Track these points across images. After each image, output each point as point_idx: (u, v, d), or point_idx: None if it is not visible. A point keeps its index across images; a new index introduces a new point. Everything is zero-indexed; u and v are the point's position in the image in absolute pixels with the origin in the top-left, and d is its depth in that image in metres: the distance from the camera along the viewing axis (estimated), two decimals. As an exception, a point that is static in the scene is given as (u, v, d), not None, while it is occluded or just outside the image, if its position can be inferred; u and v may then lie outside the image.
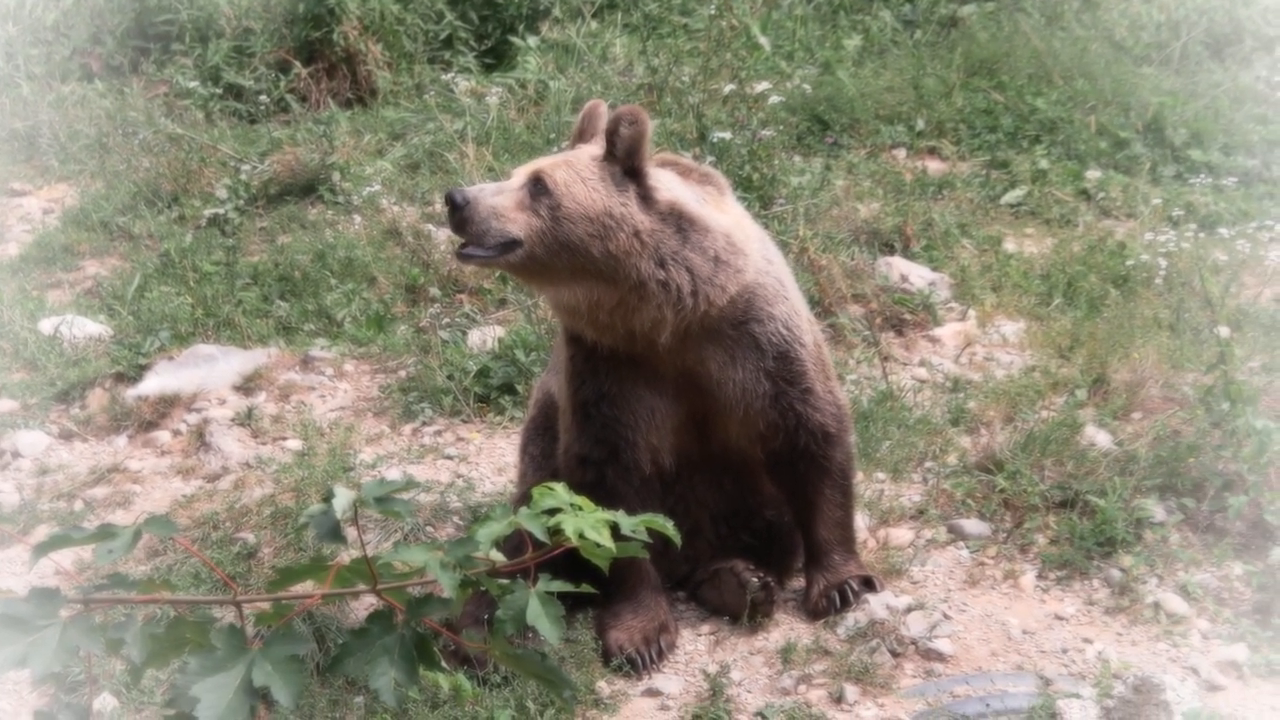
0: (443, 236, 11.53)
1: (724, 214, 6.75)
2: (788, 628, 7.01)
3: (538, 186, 6.43)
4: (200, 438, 9.35)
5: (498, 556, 3.61)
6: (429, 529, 8.00)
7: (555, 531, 3.58)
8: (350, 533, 3.64)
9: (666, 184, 6.61)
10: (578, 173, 6.48)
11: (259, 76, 15.65)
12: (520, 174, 6.56)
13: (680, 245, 6.52)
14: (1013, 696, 6.40)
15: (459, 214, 6.36)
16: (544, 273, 6.49)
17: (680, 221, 6.56)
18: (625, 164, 6.53)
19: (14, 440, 9.53)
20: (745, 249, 6.72)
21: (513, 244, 6.37)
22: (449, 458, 8.97)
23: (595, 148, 6.68)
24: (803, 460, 6.95)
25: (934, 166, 12.67)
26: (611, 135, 6.54)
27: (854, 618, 6.92)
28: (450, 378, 9.55)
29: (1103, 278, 10.53)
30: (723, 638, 7.00)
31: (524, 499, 4.21)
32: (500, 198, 6.40)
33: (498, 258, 6.41)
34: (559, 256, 6.41)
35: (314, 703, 6.52)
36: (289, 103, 15.39)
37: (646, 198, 6.53)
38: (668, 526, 3.75)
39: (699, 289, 6.54)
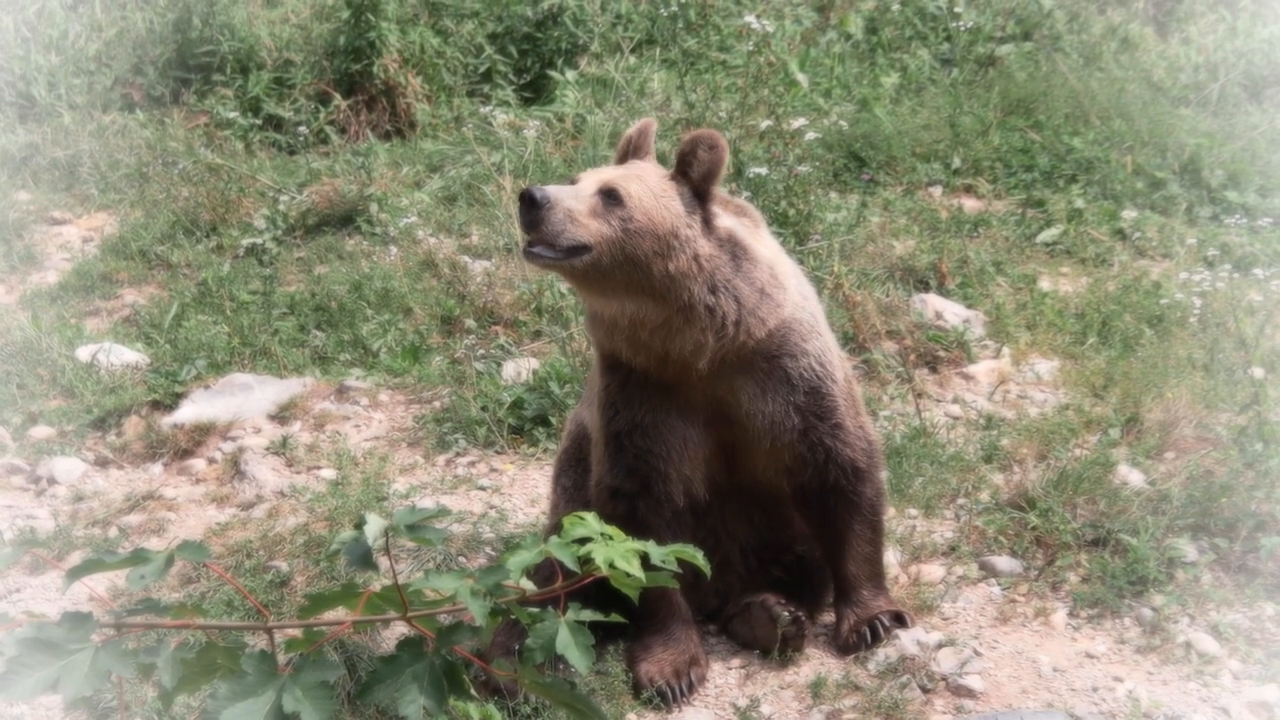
0: (478, 268, 11.57)
1: (763, 247, 6.79)
2: (818, 662, 7.01)
3: (612, 197, 6.42)
4: (235, 466, 9.38)
5: (528, 585, 3.63)
6: (461, 559, 8.02)
7: (585, 561, 3.60)
8: (383, 562, 3.66)
9: (720, 212, 6.65)
10: (650, 189, 6.49)
11: (299, 108, 15.74)
12: (589, 180, 6.54)
13: (733, 274, 6.55)
14: (1042, 734, 6.40)
15: (536, 212, 6.32)
16: (602, 282, 6.48)
17: (735, 250, 6.59)
18: (698, 187, 6.56)
19: (50, 467, 9.58)
20: (785, 283, 6.75)
21: (581, 249, 6.35)
22: (482, 489, 8.99)
23: (654, 165, 6.72)
24: (832, 495, 6.95)
25: (970, 204, 12.68)
26: (688, 157, 6.55)
27: (885, 653, 6.91)
28: (484, 409, 9.57)
29: (1137, 317, 10.52)
30: (753, 671, 7.00)
31: (556, 530, 4.23)
32: (576, 202, 6.38)
33: (563, 260, 6.37)
34: (621, 268, 6.41)
35: (344, 730, 6.54)
36: (328, 134, 15.46)
37: (708, 223, 6.56)
38: (697, 557, 3.77)
39: (742, 319, 6.56)
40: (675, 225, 6.46)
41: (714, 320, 6.53)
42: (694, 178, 6.56)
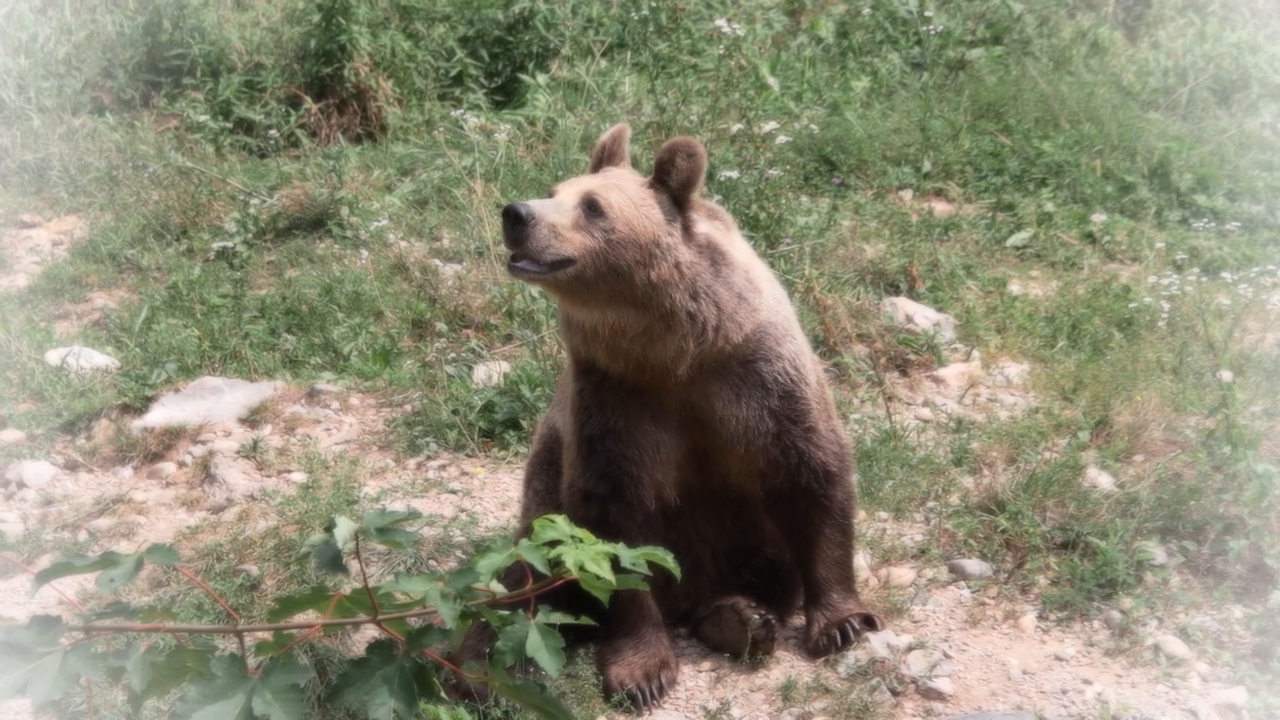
0: (449, 272, 11.56)
1: (738, 251, 6.80)
2: (788, 665, 7.02)
3: (593, 208, 6.43)
4: (205, 470, 9.36)
5: (498, 588, 3.63)
6: (432, 563, 8.01)
7: (556, 564, 3.60)
8: (353, 565, 3.66)
9: (697, 218, 6.66)
10: (630, 198, 6.50)
11: (269, 111, 15.71)
12: (568, 192, 6.54)
13: (713, 279, 6.56)
14: (1012, 737, 6.41)
15: (521, 229, 6.31)
16: (585, 293, 6.48)
17: (714, 255, 6.60)
18: (678, 194, 6.58)
19: (19, 470, 9.55)
20: (760, 286, 6.77)
21: (566, 263, 6.35)
22: (453, 492, 8.98)
23: (630, 172, 6.72)
24: (803, 498, 6.96)
25: (940, 208, 12.70)
26: (666, 165, 6.58)
27: (855, 656, 6.93)
28: (455, 412, 9.56)
29: (1106, 321, 10.55)
30: (723, 675, 7.01)
31: (527, 533, 4.23)
32: (559, 216, 6.38)
33: (547, 274, 6.38)
34: (604, 279, 6.42)
35: (314, 734, 6.53)
36: (299, 137, 15.42)
37: (688, 229, 6.57)
38: (668, 559, 3.77)
39: (721, 324, 6.57)
40: (656, 234, 6.47)
41: (695, 326, 6.54)
42: (672, 185, 6.58)
